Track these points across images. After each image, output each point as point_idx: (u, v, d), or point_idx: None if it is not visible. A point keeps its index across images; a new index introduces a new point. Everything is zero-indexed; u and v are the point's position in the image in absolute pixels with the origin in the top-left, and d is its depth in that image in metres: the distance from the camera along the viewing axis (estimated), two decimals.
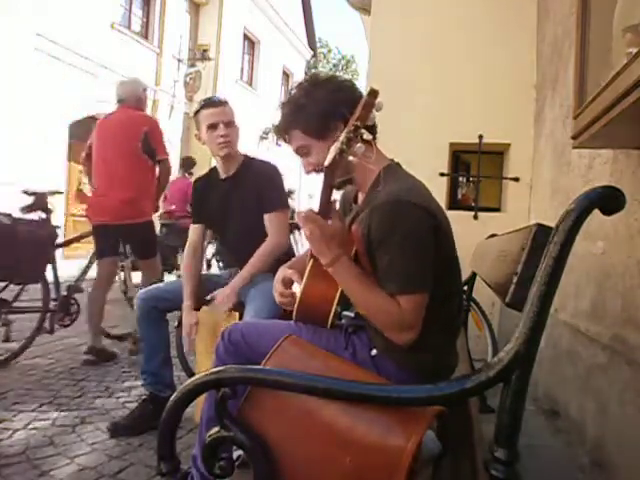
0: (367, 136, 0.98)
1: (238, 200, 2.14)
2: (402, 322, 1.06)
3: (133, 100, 3.12)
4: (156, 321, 2.13)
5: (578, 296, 2.08)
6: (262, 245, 2.07)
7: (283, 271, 1.39)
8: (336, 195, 1.64)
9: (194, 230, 2.28)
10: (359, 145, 0.99)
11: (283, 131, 1.30)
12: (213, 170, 2.28)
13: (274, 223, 2.09)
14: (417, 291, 1.07)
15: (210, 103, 2.13)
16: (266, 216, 2.10)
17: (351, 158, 1.04)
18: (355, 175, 1.28)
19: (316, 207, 1.14)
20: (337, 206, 1.46)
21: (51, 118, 7.57)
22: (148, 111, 9.78)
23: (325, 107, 1.21)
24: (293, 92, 1.29)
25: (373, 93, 0.96)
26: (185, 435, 2.04)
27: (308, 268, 1.24)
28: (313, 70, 15.81)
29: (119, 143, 2.96)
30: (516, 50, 3.43)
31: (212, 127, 2.09)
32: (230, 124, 2.12)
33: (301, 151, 1.29)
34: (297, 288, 1.30)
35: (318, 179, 1.12)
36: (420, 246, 1.08)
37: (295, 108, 1.26)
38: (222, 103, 2.14)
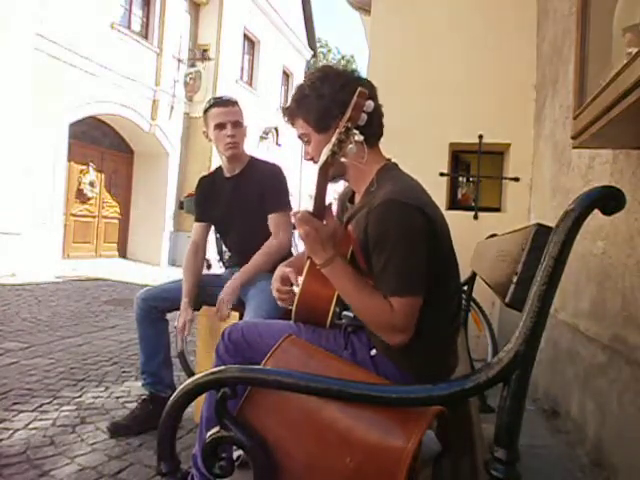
0: (358, 137, 0.98)
1: (241, 200, 2.15)
2: (393, 324, 1.06)
3: None
4: (156, 321, 2.12)
5: (578, 296, 2.08)
6: (265, 244, 2.08)
7: (281, 269, 1.39)
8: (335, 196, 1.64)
9: (197, 229, 2.28)
10: (351, 146, 0.98)
11: (289, 116, 1.31)
12: (218, 169, 2.29)
13: (277, 223, 2.10)
14: (409, 294, 1.05)
15: (220, 102, 2.13)
16: (270, 216, 2.11)
17: (343, 159, 1.03)
18: (350, 176, 1.28)
19: (311, 208, 1.13)
20: (334, 208, 1.46)
21: (51, 118, 7.57)
22: (148, 113, 9.84)
23: (326, 103, 1.21)
24: (306, 78, 1.29)
25: (362, 94, 0.96)
26: (185, 435, 2.04)
27: (306, 268, 1.24)
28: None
29: None
30: (516, 50, 3.42)
31: (220, 126, 2.10)
32: (238, 124, 2.13)
33: (303, 138, 1.30)
34: (296, 288, 1.30)
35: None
36: (413, 248, 1.06)
37: (300, 97, 1.26)
38: (232, 103, 2.14)
